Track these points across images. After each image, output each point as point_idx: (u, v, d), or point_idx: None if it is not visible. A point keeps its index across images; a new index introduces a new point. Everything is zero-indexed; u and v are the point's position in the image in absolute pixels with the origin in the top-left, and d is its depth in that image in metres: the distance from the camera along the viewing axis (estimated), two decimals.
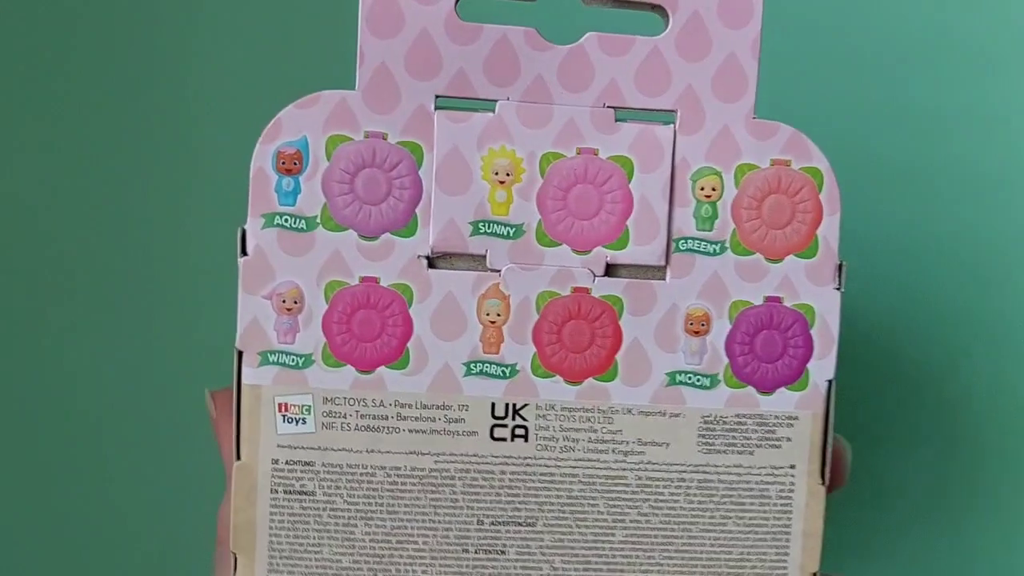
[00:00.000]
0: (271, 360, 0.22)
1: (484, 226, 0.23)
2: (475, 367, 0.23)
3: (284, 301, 0.22)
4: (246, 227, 0.22)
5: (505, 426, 0.23)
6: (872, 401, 0.37)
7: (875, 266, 0.36)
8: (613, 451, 0.23)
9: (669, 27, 0.23)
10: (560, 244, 0.23)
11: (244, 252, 0.22)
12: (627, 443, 0.23)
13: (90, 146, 0.36)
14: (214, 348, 0.37)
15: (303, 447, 0.23)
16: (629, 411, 0.23)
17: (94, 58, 0.36)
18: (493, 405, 0.23)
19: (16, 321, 0.36)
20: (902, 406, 0.37)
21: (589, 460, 0.23)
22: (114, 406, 0.37)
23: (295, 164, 0.22)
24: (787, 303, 0.23)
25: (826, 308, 0.23)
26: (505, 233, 0.23)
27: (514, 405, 0.23)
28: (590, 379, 0.23)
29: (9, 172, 0.36)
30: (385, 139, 0.22)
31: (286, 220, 0.22)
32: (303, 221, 0.22)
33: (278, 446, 0.22)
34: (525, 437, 0.23)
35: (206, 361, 0.37)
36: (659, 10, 0.23)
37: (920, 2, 0.36)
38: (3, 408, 0.37)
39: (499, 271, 0.23)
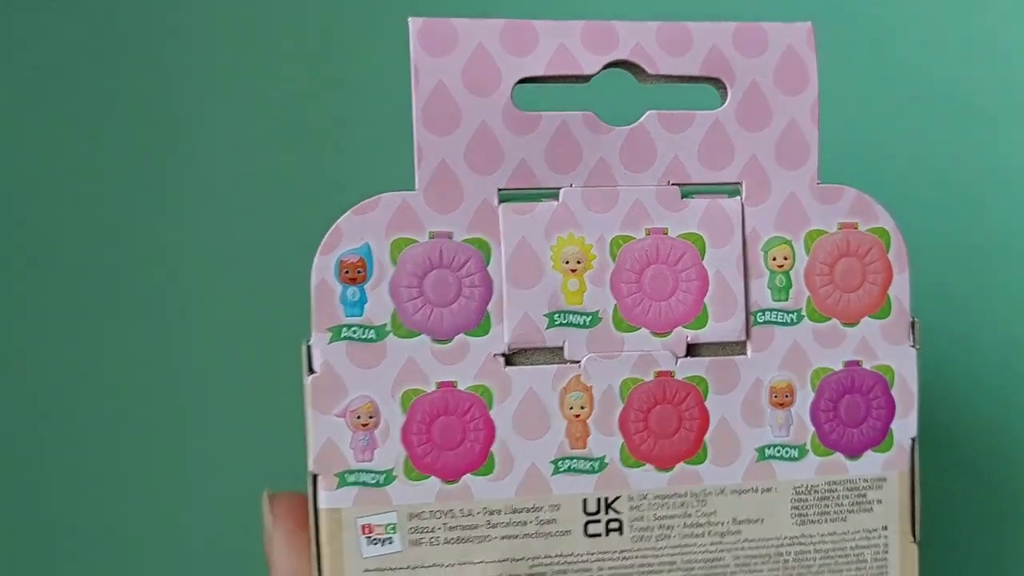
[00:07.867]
0: (349, 481, 0.21)
1: (559, 317, 0.22)
2: (563, 464, 0.22)
3: (359, 417, 0.21)
4: (311, 343, 0.21)
5: (598, 521, 0.22)
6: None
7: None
8: (709, 533, 0.22)
9: (728, 99, 0.22)
10: (639, 328, 0.22)
11: (312, 370, 0.21)
12: (723, 523, 0.22)
13: (90, 147, 0.34)
14: (212, 347, 0.35)
15: (391, 568, 0.21)
16: (722, 491, 0.22)
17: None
18: (585, 501, 0.22)
19: (15, 321, 0.34)
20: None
21: (686, 546, 0.22)
22: (113, 406, 0.35)
23: (359, 272, 0.21)
24: (866, 365, 0.23)
25: (904, 367, 0.23)
26: (581, 322, 0.22)
27: (606, 499, 0.22)
28: (680, 464, 0.22)
29: (10, 173, 0.33)
30: (451, 238, 0.21)
31: (354, 332, 0.21)
32: (372, 331, 0.21)
33: (365, 571, 0.21)
34: (620, 530, 0.22)
35: (205, 359, 0.35)
36: (716, 82, 0.22)
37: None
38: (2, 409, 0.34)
39: (579, 362, 0.22)
